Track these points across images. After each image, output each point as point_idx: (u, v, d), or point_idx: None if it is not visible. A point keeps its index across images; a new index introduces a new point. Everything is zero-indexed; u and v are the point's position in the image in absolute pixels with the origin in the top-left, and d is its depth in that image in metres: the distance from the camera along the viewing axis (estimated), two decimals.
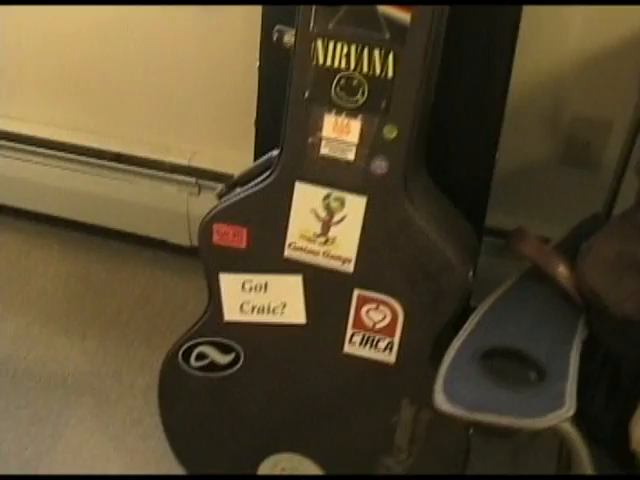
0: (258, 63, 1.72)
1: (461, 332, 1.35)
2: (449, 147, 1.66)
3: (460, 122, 1.66)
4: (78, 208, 2.41)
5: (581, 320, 1.42)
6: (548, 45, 1.79)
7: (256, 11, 1.68)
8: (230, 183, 1.64)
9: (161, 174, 2.28)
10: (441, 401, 1.20)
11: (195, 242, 2.34)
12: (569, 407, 1.19)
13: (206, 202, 2.25)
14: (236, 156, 2.13)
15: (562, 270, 1.45)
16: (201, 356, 1.65)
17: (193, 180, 2.25)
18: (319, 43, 1.38)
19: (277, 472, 1.71)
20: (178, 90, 2.15)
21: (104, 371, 2.12)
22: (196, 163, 2.24)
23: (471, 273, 1.49)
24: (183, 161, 2.24)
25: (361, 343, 1.56)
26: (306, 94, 1.42)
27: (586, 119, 1.88)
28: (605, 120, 1.86)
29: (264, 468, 1.71)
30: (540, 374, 1.28)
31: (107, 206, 2.37)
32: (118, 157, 2.31)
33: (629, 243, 1.42)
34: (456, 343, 1.31)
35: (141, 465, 1.92)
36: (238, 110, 2.10)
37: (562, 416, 1.18)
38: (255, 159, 1.79)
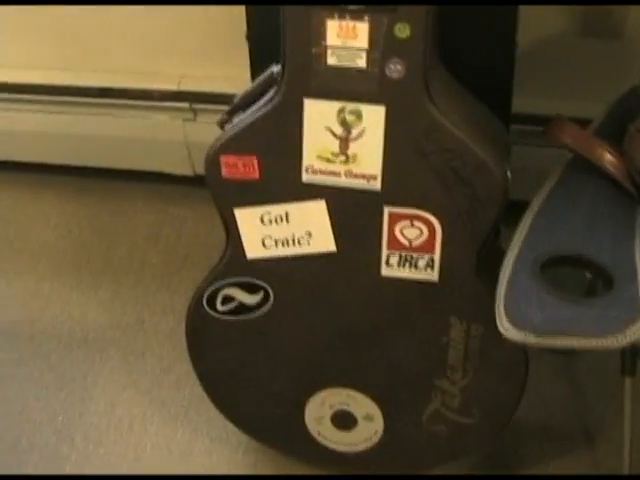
0: None
1: (513, 242, 1.22)
2: (465, 32, 1.50)
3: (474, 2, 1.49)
4: (68, 152, 2.28)
5: (638, 211, 1.29)
6: None
7: None
8: (230, 108, 1.49)
9: (151, 103, 2.12)
10: (507, 327, 1.08)
11: (198, 170, 2.22)
12: None
13: (204, 127, 2.13)
14: (230, 73, 1.99)
15: (610, 158, 1.32)
16: (227, 299, 1.53)
17: (186, 105, 2.10)
18: None
19: (326, 409, 1.60)
20: (157, 11, 1.98)
21: (125, 321, 2.01)
22: (186, 87, 2.09)
23: (509, 172, 1.35)
24: (172, 86, 2.08)
25: (399, 264, 1.43)
26: None
27: None
28: None
29: (311, 407, 1.61)
30: (607, 280, 1.15)
31: (99, 145, 2.23)
32: (102, 92, 2.16)
33: None
34: (510, 256, 1.19)
35: (180, 416, 1.82)
36: (225, 24, 1.94)
37: None
38: (252, 75, 1.65)
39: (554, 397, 1.78)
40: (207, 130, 2.06)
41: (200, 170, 2.16)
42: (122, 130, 2.18)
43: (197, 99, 2.08)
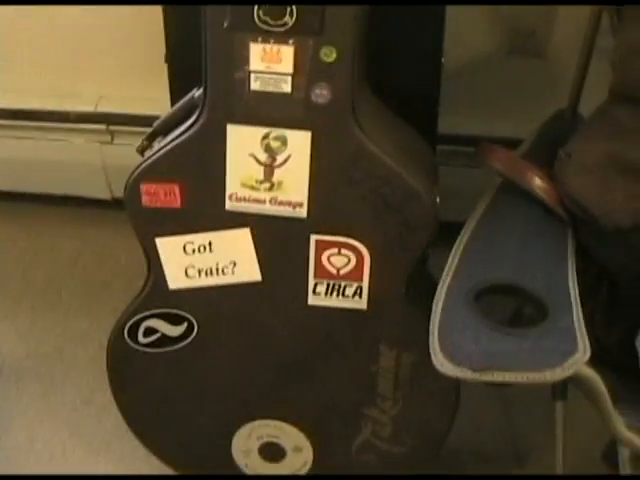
0: None
1: (445, 271, 1.19)
2: (391, 54, 1.47)
3: (399, 23, 1.46)
4: None
5: (569, 236, 1.27)
6: None
7: None
8: (150, 133, 1.44)
9: (67, 125, 2.04)
10: (442, 362, 1.04)
11: (116, 193, 2.16)
12: (584, 349, 1.05)
13: (122, 149, 2.07)
14: (148, 94, 1.93)
15: (540, 183, 1.31)
16: (150, 331, 1.47)
17: (103, 127, 2.03)
18: None
19: (253, 441, 1.55)
20: (73, 30, 1.91)
21: (43, 350, 1.94)
22: (104, 108, 2.01)
23: (438, 199, 1.32)
24: (89, 108, 2.01)
25: (327, 293, 1.39)
26: (225, 23, 1.22)
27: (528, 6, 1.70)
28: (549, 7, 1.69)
29: (238, 439, 1.56)
30: (541, 309, 1.12)
31: (12, 169, 2.15)
32: (15, 114, 2.07)
33: (614, 143, 1.26)
34: (443, 286, 1.16)
35: (102, 448, 1.76)
36: (143, 44, 1.87)
37: (580, 361, 1.03)
38: (172, 98, 1.60)
39: (486, 421, 1.76)
40: (125, 153, 2.01)
41: (118, 193, 2.10)
42: (37, 153, 2.10)
43: (114, 120, 2.02)
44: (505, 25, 1.74)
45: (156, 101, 1.88)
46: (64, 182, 2.14)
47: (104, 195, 2.14)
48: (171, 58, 1.58)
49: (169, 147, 1.32)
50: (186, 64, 1.53)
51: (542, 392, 1.49)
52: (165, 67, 1.60)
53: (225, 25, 1.23)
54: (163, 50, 1.59)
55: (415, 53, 1.50)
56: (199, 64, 1.31)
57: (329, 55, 1.22)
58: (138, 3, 1.83)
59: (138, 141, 1.96)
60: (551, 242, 1.26)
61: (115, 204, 2.16)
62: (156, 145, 1.40)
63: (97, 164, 2.06)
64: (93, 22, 1.91)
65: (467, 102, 1.78)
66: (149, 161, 1.34)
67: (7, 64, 2.03)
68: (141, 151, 1.42)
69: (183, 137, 1.31)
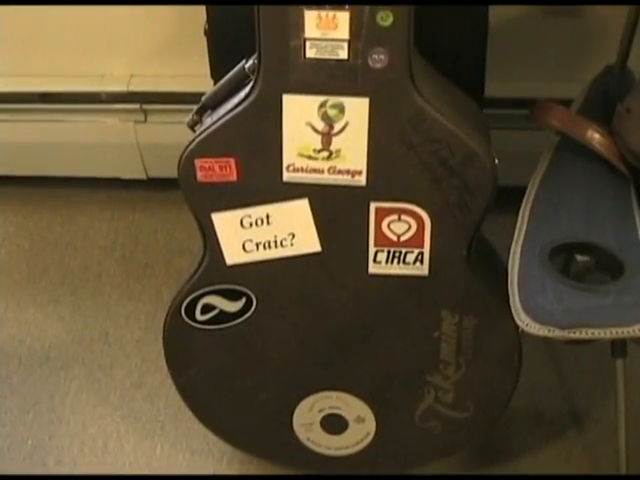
0: None
1: (516, 233, 1.18)
2: (436, 15, 1.45)
3: None
4: (12, 161, 2.17)
5: (632, 192, 1.26)
6: None
7: None
8: (199, 107, 1.42)
9: (99, 106, 2.02)
10: (527, 322, 1.03)
11: (151, 173, 2.14)
12: None
13: (155, 127, 2.05)
14: (182, 71, 1.92)
15: (599, 138, 1.29)
16: (207, 308, 1.46)
17: (136, 106, 2.01)
18: None
19: (315, 414, 1.54)
20: (102, 8, 1.88)
21: (88, 335, 1.92)
22: (136, 87, 1.99)
23: (496, 160, 1.31)
24: (121, 87, 1.99)
25: (387, 260, 1.38)
26: None
27: None
28: None
29: (300, 413, 1.55)
30: (616, 265, 1.11)
31: (46, 153, 2.13)
32: (45, 97, 2.05)
33: None
34: (516, 247, 1.15)
35: (157, 430, 1.75)
36: (174, 18, 1.86)
37: None
38: (212, 74, 1.58)
39: (541, 382, 1.76)
40: (159, 131, 2.01)
41: (153, 173, 2.09)
42: (69, 136, 2.08)
43: (148, 99, 2.00)
44: None
45: (189, 77, 1.88)
46: (98, 164, 2.12)
47: (139, 175, 2.12)
48: (212, 31, 1.55)
49: (223, 121, 1.30)
50: (228, 36, 1.53)
51: (596, 350, 1.49)
52: (200, 42, 1.57)
53: None
54: (197, 24, 1.57)
55: (461, 13, 1.48)
56: (242, 36, 1.30)
57: (386, 19, 1.20)
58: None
59: (172, 119, 1.97)
60: (615, 198, 1.25)
61: (151, 184, 2.14)
62: (207, 119, 1.38)
63: (131, 144, 2.04)
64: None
65: (509, 65, 1.76)
66: (203, 135, 1.32)
67: (34, 47, 2.00)
68: (192, 126, 1.40)
69: (237, 109, 1.29)
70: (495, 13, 1.51)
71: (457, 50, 1.50)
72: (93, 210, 2.17)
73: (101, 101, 2.01)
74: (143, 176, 2.12)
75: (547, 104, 1.34)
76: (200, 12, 1.53)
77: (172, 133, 1.81)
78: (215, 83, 1.55)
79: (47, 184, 2.20)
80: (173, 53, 1.94)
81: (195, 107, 1.43)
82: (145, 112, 2.02)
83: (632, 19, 1.47)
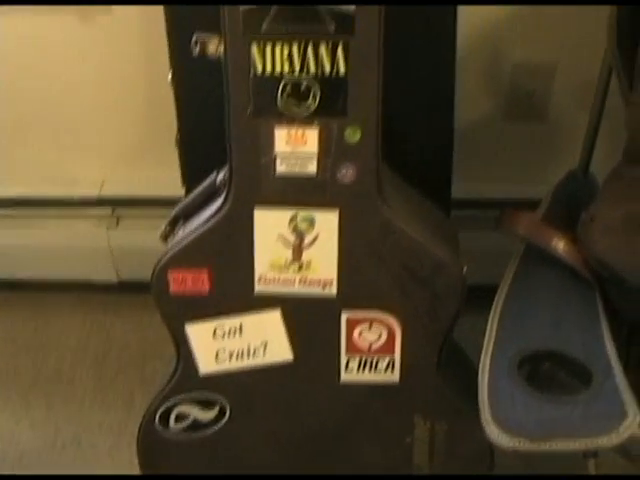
0: (170, 75, 1.51)
1: (485, 342, 1.21)
2: (403, 125, 1.49)
3: (410, 96, 1.49)
4: None
5: (598, 297, 1.29)
6: None
7: (156, 15, 1.47)
8: (171, 219, 1.45)
9: (71, 211, 2.04)
10: (496, 434, 1.05)
11: (123, 276, 2.15)
12: (634, 412, 1.06)
13: (127, 232, 2.07)
14: (154, 175, 1.94)
15: (565, 246, 1.32)
16: (181, 417, 1.47)
17: (109, 211, 2.03)
18: (254, 48, 1.19)
19: None
20: (74, 114, 1.92)
21: (60, 441, 1.91)
22: (108, 192, 2.02)
23: (465, 268, 1.34)
24: (93, 192, 2.01)
25: (359, 368, 1.40)
26: (249, 108, 1.22)
27: (527, 66, 1.73)
28: (548, 66, 1.72)
29: None
30: (585, 374, 1.14)
31: (17, 257, 2.14)
32: (17, 202, 2.07)
33: (634, 203, 1.29)
34: (485, 358, 1.17)
35: None
36: (148, 126, 1.89)
37: (633, 424, 1.05)
38: (183, 181, 1.61)
39: None
40: (131, 235, 2.03)
41: (125, 277, 2.10)
42: (40, 240, 2.10)
43: (120, 204, 2.02)
44: (504, 90, 1.77)
45: (161, 182, 1.90)
46: (70, 268, 2.13)
47: (111, 278, 2.13)
48: (183, 141, 1.58)
49: (196, 234, 1.33)
50: (199, 146, 1.56)
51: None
52: (172, 147, 1.60)
53: (249, 111, 1.23)
54: (169, 130, 1.60)
55: (426, 121, 1.52)
56: (212, 146, 1.33)
57: (354, 135, 1.24)
58: None
59: (144, 223, 1.99)
60: (582, 305, 1.28)
61: (122, 287, 2.15)
62: (179, 231, 1.41)
63: (103, 247, 2.06)
64: (93, 104, 1.91)
65: (475, 167, 1.80)
66: (176, 249, 1.34)
67: (6, 152, 2.02)
68: (164, 238, 1.42)
69: (210, 223, 1.32)
70: (460, 117, 1.56)
71: (424, 155, 1.55)
72: (65, 313, 2.18)
73: (73, 206, 2.03)
74: (115, 279, 2.13)
75: (513, 213, 1.38)
76: (172, 118, 1.56)
77: (144, 237, 1.83)
78: (186, 191, 1.58)
79: (19, 287, 2.20)
80: (145, 158, 1.97)
81: (167, 214, 1.45)
82: (117, 216, 2.04)
83: (593, 126, 1.51)
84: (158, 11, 1.48)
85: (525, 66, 1.74)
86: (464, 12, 1.46)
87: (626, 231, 1.27)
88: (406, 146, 1.52)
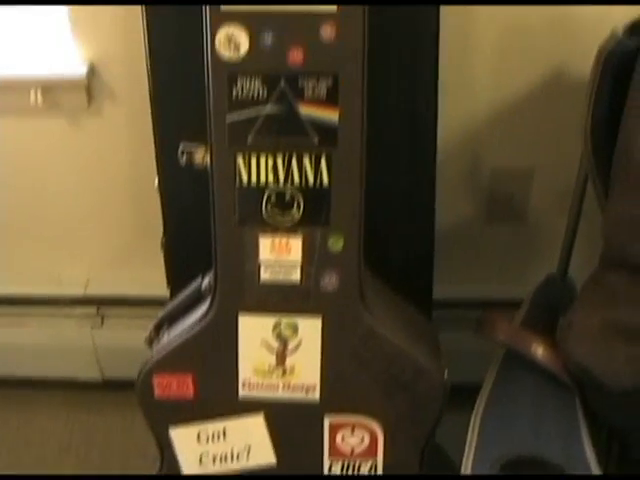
0: (157, 181, 1.55)
1: (466, 447, 1.22)
2: (384, 229, 1.52)
3: (391, 200, 1.53)
4: None
5: (577, 401, 1.31)
6: (457, 100, 1.68)
7: (144, 122, 1.51)
8: (156, 323, 1.47)
9: (56, 309, 2.06)
10: None
11: (107, 374, 2.16)
12: None
13: (112, 331, 2.08)
14: (140, 275, 1.96)
15: (544, 352, 1.34)
16: None
17: (93, 310, 2.05)
18: (240, 159, 1.23)
19: None
20: (60, 214, 1.94)
21: None
22: (93, 291, 2.03)
23: (446, 372, 1.36)
24: (78, 291, 2.03)
25: (342, 471, 1.41)
26: (234, 217, 1.26)
27: (506, 170, 1.78)
28: (526, 170, 1.77)
29: None
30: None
31: (1, 354, 2.14)
32: (2, 299, 2.08)
33: (610, 310, 1.31)
34: (467, 463, 1.18)
35: None
36: (133, 227, 1.92)
37: None
38: (168, 283, 1.63)
39: None
40: (115, 335, 2.04)
41: (109, 375, 2.11)
42: (25, 338, 2.10)
43: (105, 303, 2.04)
44: (484, 193, 1.81)
45: (146, 282, 1.92)
46: (54, 366, 2.13)
47: (95, 377, 2.13)
48: (168, 245, 1.61)
49: (181, 340, 1.35)
50: (185, 250, 1.59)
51: None
52: (157, 248, 1.63)
53: (234, 220, 1.26)
54: (154, 232, 1.63)
55: (408, 224, 1.56)
56: (197, 251, 1.36)
57: (336, 244, 1.27)
58: None
59: (129, 322, 2.00)
60: (562, 410, 1.30)
61: (106, 385, 2.15)
62: (164, 336, 1.42)
63: (88, 346, 2.07)
64: (79, 205, 1.94)
65: (455, 268, 1.84)
66: (161, 354, 1.36)
67: None
68: (149, 342, 1.44)
69: (195, 329, 1.34)
70: (441, 219, 1.60)
71: (405, 258, 1.57)
72: (48, 411, 2.17)
73: (58, 304, 2.04)
74: (99, 378, 2.13)
75: (492, 318, 1.40)
76: (157, 221, 1.59)
77: (128, 336, 1.85)
78: (171, 292, 1.61)
79: (2, 384, 2.20)
80: (130, 258, 1.99)
81: (151, 313, 1.48)
82: (102, 315, 2.06)
83: (571, 230, 1.55)
84: (146, 117, 1.51)
85: (504, 170, 1.78)
86: (443, 116, 1.50)
87: (604, 337, 1.29)
88: (388, 249, 1.55)
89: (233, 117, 1.21)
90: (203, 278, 1.41)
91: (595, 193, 1.41)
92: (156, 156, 1.53)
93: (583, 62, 1.37)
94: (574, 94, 1.44)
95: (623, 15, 1.36)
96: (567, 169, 1.55)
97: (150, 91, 1.47)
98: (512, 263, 1.90)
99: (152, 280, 1.71)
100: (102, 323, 2.06)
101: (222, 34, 1.18)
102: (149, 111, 1.52)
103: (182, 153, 1.32)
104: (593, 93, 1.32)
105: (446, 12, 1.43)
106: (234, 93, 1.19)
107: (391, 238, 1.57)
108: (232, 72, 1.19)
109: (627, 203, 1.31)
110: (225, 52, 1.18)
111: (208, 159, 1.26)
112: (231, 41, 1.18)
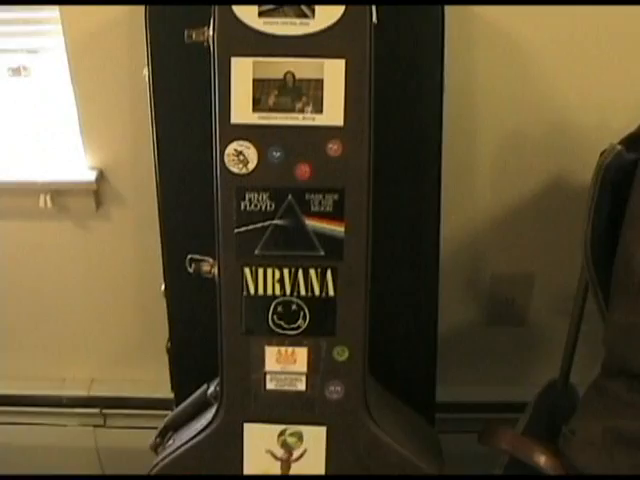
0: (163, 286, 1.57)
1: None
2: (388, 335, 1.54)
3: (396, 305, 1.55)
4: None
5: None
6: (458, 207, 1.71)
7: (151, 225, 1.54)
8: (161, 430, 1.47)
9: (59, 410, 2.06)
10: None
11: (108, 472, 2.15)
12: None
13: (114, 432, 2.08)
14: (143, 376, 1.97)
15: (546, 460, 1.35)
16: None
17: (97, 411, 2.05)
18: (247, 272, 1.25)
19: None
20: (66, 315, 1.96)
21: None
22: (97, 391, 2.04)
23: None
24: (82, 392, 2.04)
25: None
26: (241, 327, 1.28)
27: (506, 275, 1.80)
28: (526, 274, 1.79)
29: None
30: None
31: (3, 454, 2.13)
32: (5, 399, 2.08)
33: (612, 418, 1.32)
34: None
35: None
36: (138, 330, 1.93)
37: None
38: (172, 386, 1.64)
39: None
40: (118, 435, 2.04)
41: (110, 473, 2.10)
42: (27, 438, 2.10)
43: (107, 404, 2.04)
44: (485, 297, 1.83)
45: (149, 383, 1.93)
46: (56, 465, 2.13)
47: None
48: (174, 350, 1.62)
49: (187, 447, 1.36)
50: (190, 356, 1.60)
51: None
52: (161, 350, 1.64)
53: (241, 330, 1.28)
54: (159, 335, 1.64)
55: (410, 329, 1.57)
56: (203, 357, 1.38)
57: (342, 354, 1.29)
58: None
59: (131, 423, 2.01)
60: None
61: None
62: (168, 442, 1.43)
63: (90, 447, 2.06)
64: (85, 306, 1.96)
65: (457, 371, 1.85)
66: (167, 460, 1.37)
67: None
68: (154, 448, 1.45)
69: (200, 436, 1.35)
70: (443, 322, 1.62)
71: (408, 363, 1.58)
72: None
73: (61, 405, 2.05)
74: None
75: (495, 428, 1.41)
76: (162, 324, 1.61)
77: (130, 437, 1.85)
78: (175, 396, 1.62)
79: None
80: (134, 360, 2.00)
81: (154, 415, 1.49)
82: (105, 416, 2.06)
83: (572, 337, 1.56)
84: (154, 223, 1.54)
85: (504, 275, 1.80)
86: (445, 223, 1.53)
87: (606, 446, 1.30)
88: (391, 354, 1.56)
89: (241, 230, 1.23)
90: (209, 386, 1.41)
91: (595, 302, 1.42)
92: (163, 263, 1.55)
93: (583, 170, 1.39)
94: (574, 201, 1.47)
95: (622, 124, 1.38)
96: (567, 274, 1.56)
97: (158, 200, 1.50)
98: (514, 365, 1.91)
99: (156, 382, 1.72)
100: (105, 423, 2.06)
101: (231, 149, 1.21)
102: (157, 218, 1.54)
103: (190, 263, 1.34)
104: (592, 205, 1.35)
105: (449, 118, 1.46)
106: (242, 206, 1.22)
107: (394, 343, 1.58)
108: (240, 186, 1.22)
109: (628, 313, 1.33)
110: (234, 167, 1.22)
111: (216, 270, 1.28)
112: (240, 156, 1.21)
